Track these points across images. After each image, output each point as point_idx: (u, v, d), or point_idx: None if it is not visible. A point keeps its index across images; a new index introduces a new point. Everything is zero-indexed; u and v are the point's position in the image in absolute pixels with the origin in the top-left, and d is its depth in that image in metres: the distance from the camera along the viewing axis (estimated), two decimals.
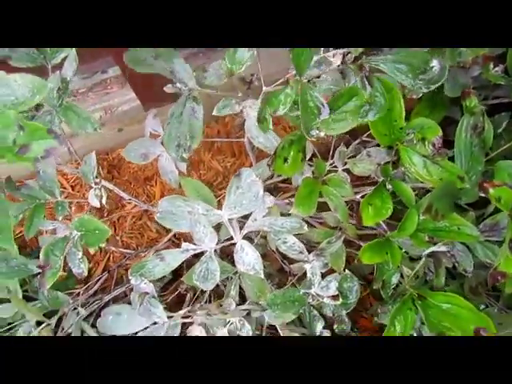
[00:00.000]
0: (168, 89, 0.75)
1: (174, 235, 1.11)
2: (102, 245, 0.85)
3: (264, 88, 0.77)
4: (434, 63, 0.61)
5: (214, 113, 0.77)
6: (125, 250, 1.13)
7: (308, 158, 0.75)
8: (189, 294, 0.92)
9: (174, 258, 0.67)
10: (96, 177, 0.68)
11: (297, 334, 0.71)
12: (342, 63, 0.64)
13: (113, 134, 1.33)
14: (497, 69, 0.74)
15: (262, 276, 0.65)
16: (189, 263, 0.86)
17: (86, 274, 0.63)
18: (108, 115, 1.45)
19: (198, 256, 0.72)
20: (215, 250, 0.69)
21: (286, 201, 0.92)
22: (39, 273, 0.84)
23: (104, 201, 0.66)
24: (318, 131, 0.61)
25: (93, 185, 0.68)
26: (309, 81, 0.67)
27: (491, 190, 0.56)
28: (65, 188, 1.26)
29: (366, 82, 0.61)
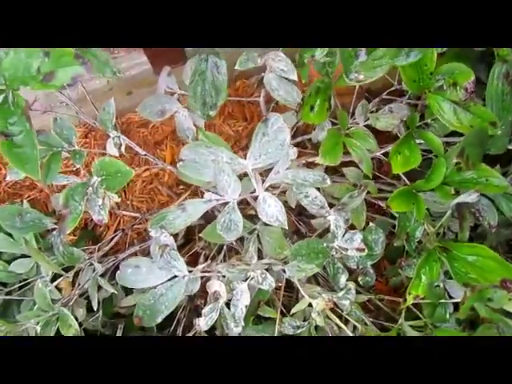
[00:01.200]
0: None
1: (186, 198, 1.09)
2: (118, 199, 0.84)
3: None
4: None
5: (237, 67, 0.75)
6: (135, 214, 1.12)
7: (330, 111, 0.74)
8: (204, 254, 0.91)
9: (196, 208, 0.66)
10: (114, 125, 0.66)
11: (318, 289, 0.70)
12: None
13: (121, 97, 1.31)
14: None
15: (287, 227, 0.64)
16: (201, 227, 0.85)
17: (106, 221, 0.62)
18: (115, 80, 1.42)
19: (210, 220, 0.71)
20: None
21: (303, 161, 0.91)
22: (53, 229, 0.83)
23: (123, 149, 0.65)
24: (356, 74, 0.59)
25: (111, 134, 0.66)
26: None
27: None
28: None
29: None
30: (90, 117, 0.90)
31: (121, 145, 0.65)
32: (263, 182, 0.68)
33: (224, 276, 0.70)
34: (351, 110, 0.84)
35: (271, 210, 0.66)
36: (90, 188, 0.61)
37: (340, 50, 0.58)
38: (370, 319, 0.76)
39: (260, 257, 0.82)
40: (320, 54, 0.59)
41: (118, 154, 0.66)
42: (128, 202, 1.17)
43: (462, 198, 0.63)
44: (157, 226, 0.68)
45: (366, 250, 0.65)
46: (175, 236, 1.13)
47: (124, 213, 1.13)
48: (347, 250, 0.67)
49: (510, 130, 0.63)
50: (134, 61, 1.41)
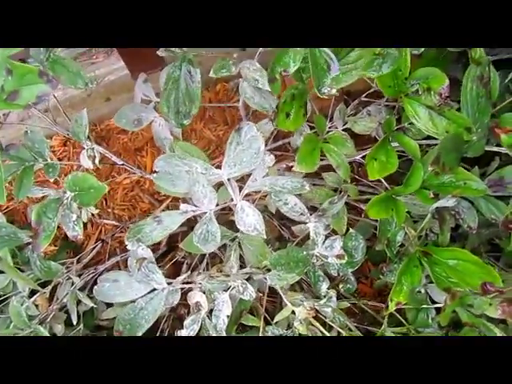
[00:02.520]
0: (161, 52, 0.72)
1: (168, 206, 1.08)
2: (96, 210, 0.82)
3: (260, 48, 0.74)
4: None
5: (211, 74, 0.73)
6: (117, 223, 1.10)
7: (307, 116, 0.73)
8: (186, 263, 0.90)
9: (173, 220, 0.64)
10: (88, 137, 0.65)
11: (300, 297, 0.69)
12: None
13: (100, 104, 1.29)
14: None
15: (264, 236, 0.63)
16: (184, 234, 0.84)
17: (80, 236, 0.60)
18: (94, 85, 1.40)
19: (193, 226, 0.70)
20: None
21: (284, 165, 0.90)
22: (29, 243, 0.81)
23: (97, 161, 0.63)
24: (329, 88, 0.58)
25: (85, 145, 0.65)
26: None
27: (503, 136, 0.55)
28: (51, 159, 1.22)
29: None
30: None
31: (95, 157, 0.64)
32: (241, 190, 0.67)
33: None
34: (330, 113, 0.83)
35: (249, 220, 0.65)
36: (64, 203, 0.59)
37: (311, 64, 0.57)
38: (355, 324, 0.75)
39: (242, 264, 0.82)
40: (292, 66, 0.58)
41: (92, 167, 0.64)
42: (109, 210, 1.16)
43: (440, 203, 0.63)
44: (134, 238, 0.66)
45: (346, 258, 0.65)
46: (158, 244, 1.12)
47: (105, 221, 1.12)
48: (327, 257, 0.67)
49: (486, 132, 0.63)
50: (112, 66, 1.39)
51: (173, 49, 0.74)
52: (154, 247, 1.03)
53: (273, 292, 0.86)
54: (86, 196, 0.58)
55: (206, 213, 0.65)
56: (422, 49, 0.70)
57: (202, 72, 0.74)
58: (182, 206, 0.63)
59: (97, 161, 0.64)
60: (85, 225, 1.10)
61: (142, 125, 0.83)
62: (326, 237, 0.72)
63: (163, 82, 0.75)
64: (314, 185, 0.89)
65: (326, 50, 0.60)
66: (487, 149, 0.66)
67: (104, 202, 1.16)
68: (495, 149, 0.65)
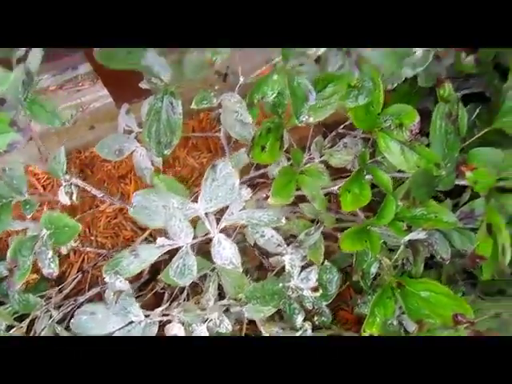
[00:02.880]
0: (143, 84, 0.73)
1: (150, 234, 1.08)
2: (75, 243, 0.82)
3: (241, 79, 0.76)
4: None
5: (192, 106, 0.75)
6: (100, 251, 1.10)
7: (285, 148, 0.74)
8: (166, 293, 0.90)
9: (150, 253, 0.65)
10: (66, 173, 0.65)
11: (277, 329, 0.70)
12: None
13: (85, 131, 1.30)
14: (469, 58, 0.74)
15: (240, 270, 0.64)
16: (167, 262, 0.84)
17: (56, 274, 0.61)
18: (80, 113, 1.41)
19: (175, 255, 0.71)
20: (192, 247, 0.67)
21: (263, 195, 0.91)
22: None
23: (75, 198, 0.64)
24: (307, 116, 0.60)
25: (63, 182, 0.65)
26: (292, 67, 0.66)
27: (468, 174, 0.56)
28: (36, 188, 1.22)
29: (355, 67, 0.61)
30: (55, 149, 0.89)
31: (72, 193, 0.64)
32: (218, 223, 0.68)
33: None
34: (309, 144, 0.85)
35: (226, 253, 0.66)
36: (40, 241, 0.60)
37: (290, 93, 0.59)
38: None
39: (222, 293, 0.82)
40: (270, 94, 0.60)
41: (69, 203, 0.65)
42: (92, 238, 1.15)
43: (412, 235, 0.64)
44: (111, 271, 0.67)
45: (321, 291, 0.66)
46: (140, 273, 1.12)
47: (88, 249, 1.11)
48: (303, 289, 0.67)
49: (455, 167, 0.65)
50: (98, 93, 1.41)
51: (155, 81, 0.75)
52: (137, 276, 1.02)
53: (252, 321, 0.86)
54: (60, 234, 0.58)
55: (182, 246, 0.65)
56: (396, 84, 0.72)
57: (184, 102, 0.76)
58: (159, 240, 0.64)
59: (74, 197, 0.64)
60: (67, 253, 1.10)
61: (123, 155, 0.84)
62: (303, 267, 0.73)
63: (145, 113, 0.77)
64: (294, 213, 0.90)
65: (304, 80, 0.62)
66: (458, 182, 0.68)
67: (87, 230, 1.16)
68: (465, 182, 0.66)
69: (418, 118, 0.59)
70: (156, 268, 1.07)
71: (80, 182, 0.79)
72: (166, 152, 0.74)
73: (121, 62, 0.69)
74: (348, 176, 0.79)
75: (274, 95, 0.60)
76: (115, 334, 0.69)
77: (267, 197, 0.90)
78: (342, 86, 0.59)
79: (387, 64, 0.58)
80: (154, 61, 0.71)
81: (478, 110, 0.81)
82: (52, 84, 1.46)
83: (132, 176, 1.20)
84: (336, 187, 0.78)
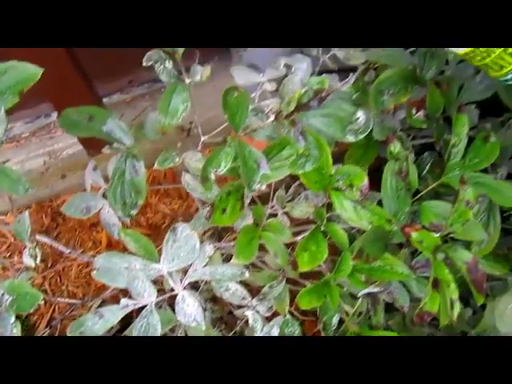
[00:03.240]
0: (106, 150, 0.75)
1: None
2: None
3: (202, 138, 0.79)
4: (359, 114, 0.65)
5: (156, 167, 0.77)
6: (71, 301, 1.10)
7: (248, 201, 0.77)
8: None
9: (114, 314, 0.66)
10: (30, 235, 0.67)
11: None
12: (275, 119, 0.67)
13: (56, 180, 1.31)
14: (419, 113, 0.79)
15: (203, 328, 0.65)
16: (138, 311, 0.85)
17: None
18: (52, 160, 1.43)
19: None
20: (158, 303, 0.68)
21: (232, 243, 0.93)
22: None
23: (39, 260, 0.65)
24: (259, 185, 0.63)
25: (27, 244, 0.66)
26: (245, 134, 0.69)
27: (413, 234, 0.60)
28: (7, 238, 1.22)
29: (300, 137, 0.64)
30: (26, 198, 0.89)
31: (37, 256, 0.66)
32: (182, 280, 0.70)
33: None
34: (272, 192, 0.88)
35: (189, 310, 0.67)
36: (3, 305, 0.60)
37: (241, 164, 0.62)
38: None
39: None
40: (223, 166, 0.63)
41: (33, 265, 0.66)
42: (63, 288, 1.15)
43: (369, 289, 0.67)
44: (76, 332, 0.67)
45: None
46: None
47: (59, 299, 1.11)
48: None
49: (408, 220, 0.68)
50: (70, 140, 1.43)
51: (116, 145, 0.77)
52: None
53: None
54: (22, 302, 0.59)
55: (146, 305, 0.67)
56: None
57: (156, 149, 0.78)
58: (123, 301, 0.65)
59: (38, 260, 0.66)
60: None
61: (90, 213, 0.85)
62: (270, 318, 0.75)
63: (111, 172, 0.79)
64: (258, 262, 0.92)
65: (255, 150, 0.65)
66: None
67: (58, 279, 1.16)
68: None
69: (366, 180, 0.63)
70: (128, 317, 1.08)
71: (47, 240, 0.80)
72: (132, 212, 0.76)
73: (83, 128, 0.72)
74: (311, 223, 0.82)
75: (227, 167, 0.62)
76: None
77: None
78: (295, 150, 0.62)
79: (331, 132, 0.62)
80: (115, 126, 0.74)
81: (431, 160, 0.86)
82: (25, 131, 1.48)
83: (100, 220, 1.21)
84: (300, 237, 0.81)
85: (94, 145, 1.23)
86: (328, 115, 0.64)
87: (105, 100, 1.44)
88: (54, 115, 1.47)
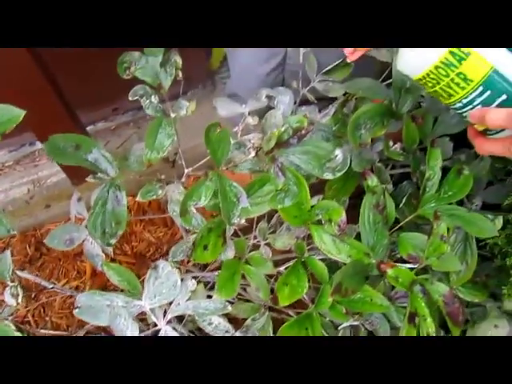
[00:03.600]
0: (90, 179, 0.76)
1: None
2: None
3: (186, 170, 0.80)
4: (337, 153, 0.67)
5: (138, 199, 0.78)
6: (54, 332, 1.09)
7: (231, 233, 0.78)
8: None
9: None
10: (12, 274, 0.67)
11: None
12: (256, 155, 0.69)
13: (41, 210, 1.31)
14: (396, 146, 0.81)
15: None
16: None
17: None
18: (37, 188, 1.43)
19: None
20: None
21: (216, 272, 0.94)
22: None
23: (20, 299, 0.65)
24: (239, 219, 0.64)
25: (9, 283, 0.67)
26: (227, 168, 0.71)
27: (388, 271, 0.61)
28: None
29: (280, 173, 0.66)
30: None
31: (18, 295, 0.66)
32: (165, 315, 0.70)
33: None
34: (255, 223, 0.89)
35: None
36: None
37: (221, 198, 0.63)
38: None
39: None
40: (203, 200, 0.64)
41: (15, 304, 0.66)
42: (47, 319, 1.14)
43: (349, 322, 0.68)
44: None
45: None
46: None
47: (42, 331, 1.10)
48: None
49: (386, 253, 0.70)
50: (55, 168, 1.43)
51: (100, 175, 0.78)
52: None
53: None
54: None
55: None
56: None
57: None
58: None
59: (20, 299, 0.66)
60: None
61: (74, 244, 0.85)
62: None
63: (93, 202, 0.80)
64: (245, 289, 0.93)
65: (235, 184, 0.67)
66: None
67: (42, 311, 1.15)
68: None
69: (343, 215, 0.64)
70: None
71: (30, 276, 0.80)
72: (111, 242, 0.76)
73: (68, 156, 0.73)
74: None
75: (207, 201, 0.63)
76: None
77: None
78: (274, 187, 0.64)
79: (309, 169, 0.64)
80: (100, 156, 0.75)
81: (409, 190, 0.88)
82: (9, 160, 1.48)
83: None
84: (283, 267, 0.82)
85: (77, 174, 1.23)
86: (307, 153, 0.65)
87: (89, 128, 1.45)
88: (39, 144, 1.47)
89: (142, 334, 0.68)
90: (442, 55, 0.53)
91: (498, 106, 0.53)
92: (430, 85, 0.56)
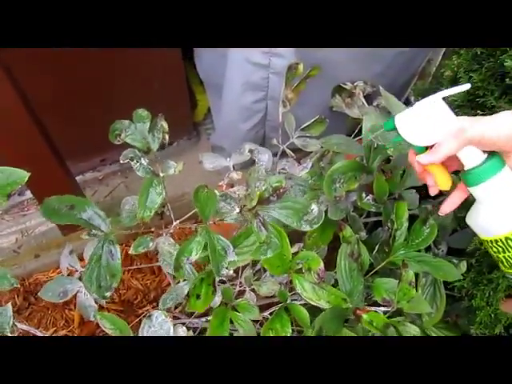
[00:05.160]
0: (84, 236, 0.81)
1: None
2: None
3: (174, 222, 0.86)
4: (313, 207, 0.74)
5: (130, 252, 0.83)
6: None
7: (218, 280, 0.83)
8: None
9: None
10: (12, 327, 0.70)
11: None
12: (240, 212, 0.75)
13: (29, 260, 1.33)
14: (368, 197, 0.89)
15: None
16: None
17: None
18: (25, 237, 1.45)
19: None
20: None
21: (203, 318, 0.98)
22: None
23: None
24: (227, 270, 0.70)
25: (8, 334, 0.70)
26: (214, 223, 0.77)
27: (363, 316, 0.67)
28: None
29: (262, 227, 0.72)
30: None
31: None
32: None
33: None
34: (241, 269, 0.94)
35: None
36: None
37: (210, 251, 0.69)
38: None
39: None
40: (194, 255, 0.70)
41: None
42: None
43: None
44: None
45: None
46: None
47: None
48: None
49: (362, 298, 0.76)
50: (43, 218, 1.46)
51: (94, 232, 0.83)
52: None
53: None
54: None
55: None
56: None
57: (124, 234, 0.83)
58: None
59: None
60: None
61: (67, 296, 0.89)
62: None
63: (88, 257, 0.84)
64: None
65: (222, 238, 0.73)
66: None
67: None
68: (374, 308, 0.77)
69: (321, 264, 0.71)
70: None
71: (24, 327, 0.83)
72: (106, 294, 0.81)
73: (63, 216, 0.78)
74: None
75: (198, 255, 0.69)
76: None
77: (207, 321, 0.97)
78: (258, 239, 0.70)
79: (289, 222, 0.71)
80: (94, 214, 0.80)
81: (382, 237, 0.96)
82: None
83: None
84: (267, 313, 0.87)
85: (67, 224, 1.27)
86: (286, 208, 0.72)
87: (78, 178, 1.50)
88: (28, 193, 1.51)
89: None
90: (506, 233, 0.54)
91: None
92: (494, 250, 0.57)
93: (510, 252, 0.54)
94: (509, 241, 0.54)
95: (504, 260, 0.56)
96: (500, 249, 0.55)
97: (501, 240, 0.55)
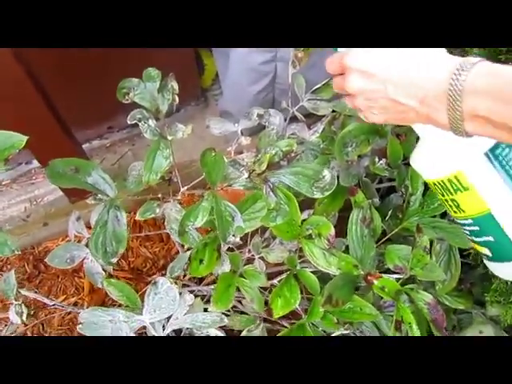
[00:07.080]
0: (90, 201, 0.79)
1: None
2: None
3: (181, 188, 0.84)
4: (325, 173, 0.71)
5: (137, 218, 0.82)
6: None
7: (226, 248, 0.81)
8: None
9: None
10: (17, 294, 0.69)
11: None
12: (248, 177, 0.73)
13: (38, 228, 1.33)
14: (381, 162, 0.86)
15: None
16: None
17: None
18: (34, 206, 1.45)
19: None
20: None
21: (212, 286, 0.97)
22: None
23: (25, 318, 0.68)
24: (233, 237, 0.68)
25: (13, 301, 0.69)
26: (222, 188, 0.74)
27: (375, 282, 0.65)
28: None
29: (271, 193, 0.70)
30: None
31: (23, 313, 0.68)
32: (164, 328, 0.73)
33: None
34: (250, 237, 0.92)
35: None
36: None
37: (217, 217, 0.67)
38: None
39: None
40: (200, 220, 0.67)
41: (20, 322, 0.69)
42: (46, 335, 1.16)
43: (340, 331, 0.71)
44: None
45: None
46: None
47: None
48: None
49: (374, 264, 0.74)
50: (51, 186, 1.46)
51: (100, 196, 0.81)
52: None
53: None
54: None
55: None
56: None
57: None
58: None
59: (24, 317, 0.68)
60: None
61: (74, 262, 0.88)
62: None
63: (94, 223, 0.83)
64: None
65: (230, 204, 0.70)
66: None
67: (41, 327, 1.17)
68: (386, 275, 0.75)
69: (332, 230, 0.68)
70: None
71: (32, 294, 0.83)
72: (112, 260, 0.80)
73: (68, 179, 0.76)
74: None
75: (204, 221, 0.67)
76: None
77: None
78: (267, 204, 0.68)
79: (299, 189, 0.68)
80: (100, 178, 0.78)
81: (395, 203, 0.93)
82: (5, 179, 1.50)
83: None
84: (277, 279, 0.85)
85: (74, 192, 1.26)
86: (296, 174, 0.69)
87: (85, 146, 1.48)
88: (35, 162, 1.50)
89: None
90: (443, 177, 0.53)
91: (484, 243, 0.55)
92: (439, 192, 0.57)
93: (453, 195, 0.52)
94: (452, 183, 0.51)
95: (449, 203, 0.55)
96: (444, 192, 0.53)
97: (443, 182, 0.52)
